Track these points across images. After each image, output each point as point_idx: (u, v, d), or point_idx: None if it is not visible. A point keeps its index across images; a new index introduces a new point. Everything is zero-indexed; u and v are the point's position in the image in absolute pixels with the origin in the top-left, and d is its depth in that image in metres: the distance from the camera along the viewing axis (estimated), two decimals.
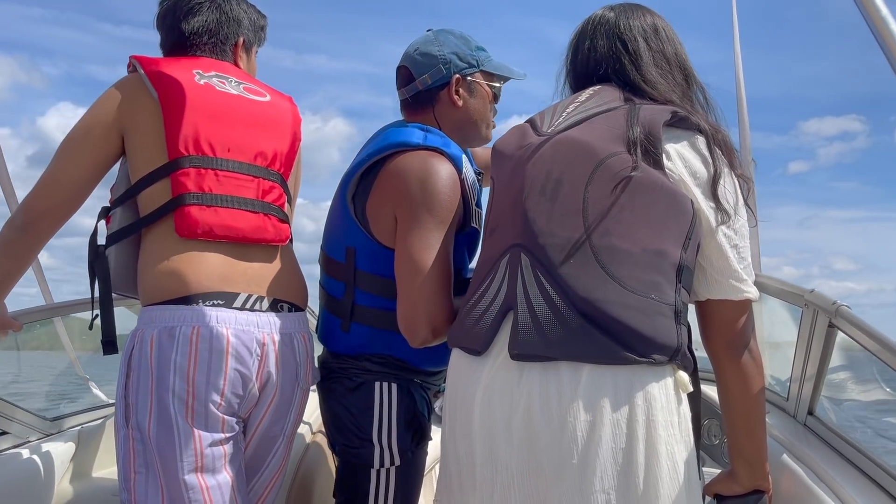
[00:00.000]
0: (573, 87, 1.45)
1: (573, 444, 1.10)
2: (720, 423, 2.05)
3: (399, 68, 1.72)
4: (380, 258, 1.57)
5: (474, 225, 1.64)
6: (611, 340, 1.11)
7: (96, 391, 2.63)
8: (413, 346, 1.50)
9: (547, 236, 1.19)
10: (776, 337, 2.22)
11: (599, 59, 1.38)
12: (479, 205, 1.68)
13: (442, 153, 1.56)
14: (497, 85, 1.74)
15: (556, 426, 1.11)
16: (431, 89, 1.67)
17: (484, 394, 1.20)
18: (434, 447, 2.57)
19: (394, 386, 1.62)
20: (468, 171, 1.61)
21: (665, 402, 1.12)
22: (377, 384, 1.61)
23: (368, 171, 1.58)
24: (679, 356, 1.15)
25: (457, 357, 1.32)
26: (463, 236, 1.63)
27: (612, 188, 1.17)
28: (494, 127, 1.77)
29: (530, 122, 1.39)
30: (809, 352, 1.66)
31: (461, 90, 1.67)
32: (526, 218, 1.23)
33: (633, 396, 1.10)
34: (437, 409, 3.02)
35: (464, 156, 1.62)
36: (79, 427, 2.14)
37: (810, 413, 1.78)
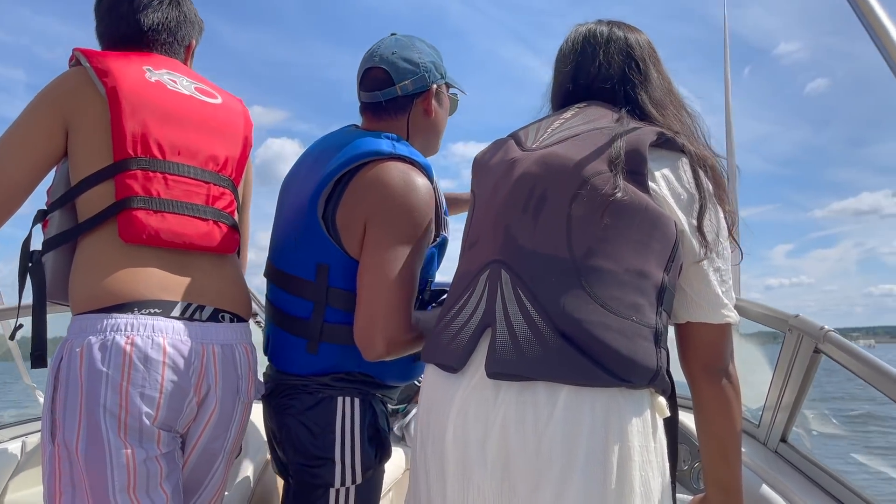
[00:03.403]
0: (564, 100, 1.41)
1: (548, 467, 1.06)
2: (690, 448, 2.04)
3: (371, 69, 1.66)
4: (354, 273, 1.52)
5: (444, 233, 1.63)
6: (590, 362, 1.07)
7: (42, 400, 2.49)
8: (367, 359, 1.47)
9: (529, 253, 1.16)
10: (749, 363, 2.24)
11: (612, 76, 1.36)
12: (445, 212, 1.67)
13: (416, 164, 1.54)
14: (455, 97, 1.76)
15: (532, 448, 1.07)
16: (409, 96, 1.65)
17: (458, 412, 1.16)
18: (393, 468, 2.53)
19: (356, 400, 1.55)
20: (436, 181, 1.61)
21: (641, 427, 1.10)
22: (339, 399, 1.54)
23: (336, 182, 1.53)
24: (658, 380, 1.13)
25: (431, 374, 1.27)
26: (435, 247, 1.61)
27: (597, 207, 1.14)
28: None
29: (514, 137, 1.35)
30: (789, 377, 1.67)
31: (428, 98, 1.66)
32: (508, 233, 1.20)
33: (609, 421, 1.07)
34: (395, 430, 2.98)
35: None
36: (22, 437, 2.03)
37: (783, 440, 1.79)
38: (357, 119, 1.74)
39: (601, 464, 1.06)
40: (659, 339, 1.14)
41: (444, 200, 1.65)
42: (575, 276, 1.12)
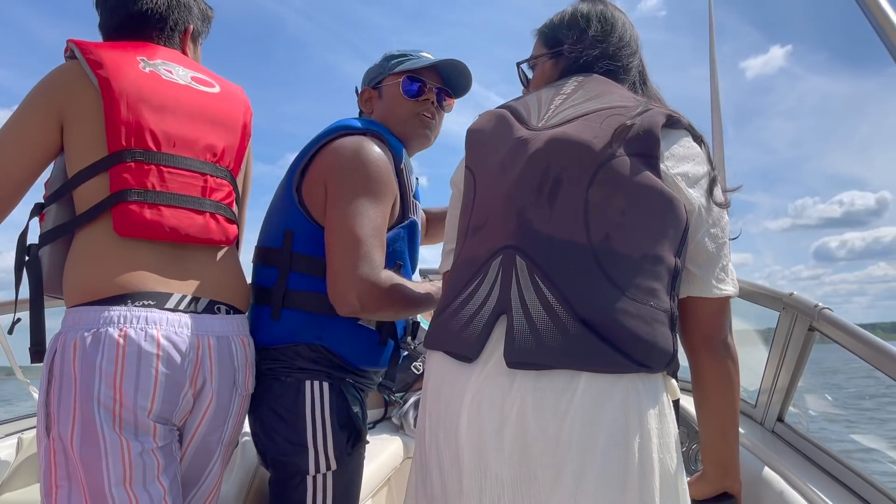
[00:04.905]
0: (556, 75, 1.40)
1: (569, 452, 1.05)
2: (688, 430, 2.04)
3: None
4: (317, 239, 1.57)
5: (412, 216, 1.66)
6: (611, 349, 1.07)
7: (37, 396, 2.48)
8: (341, 313, 1.49)
9: (545, 239, 1.14)
10: (745, 343, 2.23)
11: (602, 46, 1.36)
12: (416, 197, 1.70)
13: (379, 136, 1.62)
14: (414, 82, 1.77)
15: (552, 434, 1.06)
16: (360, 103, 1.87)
17: (472, 400, 1.13)
18: (392, 456, 2.53)
19: (325, 385, 1.56)
20: (407, 163, 1.66)
21: (658, 410, 1.10)
22: (307, 383, 1.56)
23: (310, 158, 1.61)
24: (672, 363, 1.13)
25: (440, 361, 1.24)
26: (402, 229, 1.63)
27: (614, 192, 1.13)
28: (428, 121, 1.78)
29: (512, 112, 1.32)
30: (784, 356, 1.66)
31: (371, 98, 1.81)
32: (521, 218, 1.17)
33: (628, 406, 1.07)
34: (394, 419, 2.97)
35: (404, 150, 1.68)
36: (17, 434, 2.02)
37: (780, 420, 1.78)
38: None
39: (623, 448, 1.05)
40: (674, 323, 1.14)
41: (414, 184, 1.68)
42: (594, 262, 1.11)
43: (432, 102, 1.77)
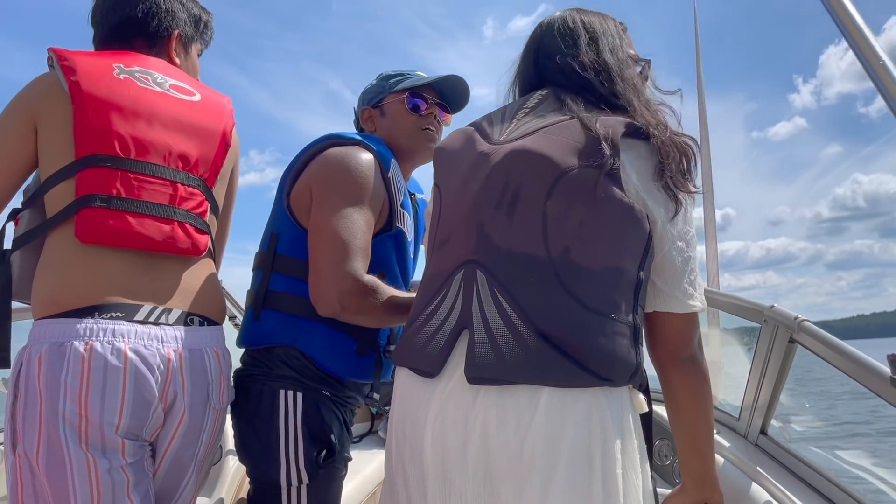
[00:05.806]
0: (525, 87, 1.39)
1: (531, 469, 1.04)
2: (671, 442, 2.04)
3: None
4: (299, 242, 1.58)
5: (399, 225, 1.66)
6: (571, 363, 1.06)
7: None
8: (321, 313, 1.49)
9: (504, 253, 1.14)
10: (729, 356, 2.24)
11: (569, 59, 1.31)
12: (405, 206, 1.70)
13: (367, 146, 1.64)
14: (416, 98, 1.82)
15: (514, 452, 1.05)
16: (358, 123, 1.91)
17: (436, 417, 1.13)
18: (376, 470, 2.52)
19: (299, 395, 1.55)
20: (396, 172, 1.67)
21: (622, 425, 1.09)
22: (281, 392, 1.55)
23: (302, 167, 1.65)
24: (636, 376, 1.12)
25: (405, 377, 1.23)
26: (388, 237, 1.64)
27: (572, 204, 1.12)
28: (433, 134, 1.83)
29: (477, 128, 1.32)
30: (766, 369, 1.67)
31: (372, 117, 1.85)
32: (481, 232, 1.17)
33: (591, 421, 1.05)
34: (380, 433, 2.96)
35: (393, 160, 1.69)
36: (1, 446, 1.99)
37: (763, 432, 1.79)
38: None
39: (585, 465, 1.05)
40: (637, 335, 1.13)
41: (401, 194, 1.68)
42: (553, 276, 1.10)
43: (434, 116, 1.83)
